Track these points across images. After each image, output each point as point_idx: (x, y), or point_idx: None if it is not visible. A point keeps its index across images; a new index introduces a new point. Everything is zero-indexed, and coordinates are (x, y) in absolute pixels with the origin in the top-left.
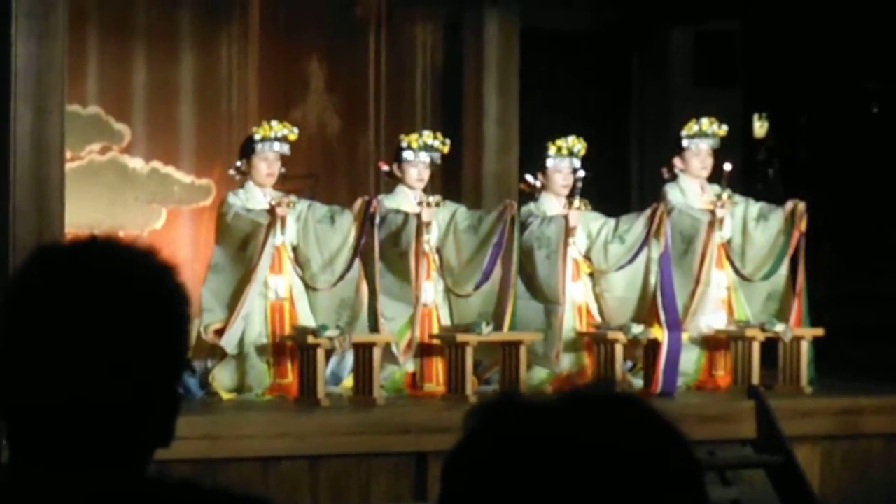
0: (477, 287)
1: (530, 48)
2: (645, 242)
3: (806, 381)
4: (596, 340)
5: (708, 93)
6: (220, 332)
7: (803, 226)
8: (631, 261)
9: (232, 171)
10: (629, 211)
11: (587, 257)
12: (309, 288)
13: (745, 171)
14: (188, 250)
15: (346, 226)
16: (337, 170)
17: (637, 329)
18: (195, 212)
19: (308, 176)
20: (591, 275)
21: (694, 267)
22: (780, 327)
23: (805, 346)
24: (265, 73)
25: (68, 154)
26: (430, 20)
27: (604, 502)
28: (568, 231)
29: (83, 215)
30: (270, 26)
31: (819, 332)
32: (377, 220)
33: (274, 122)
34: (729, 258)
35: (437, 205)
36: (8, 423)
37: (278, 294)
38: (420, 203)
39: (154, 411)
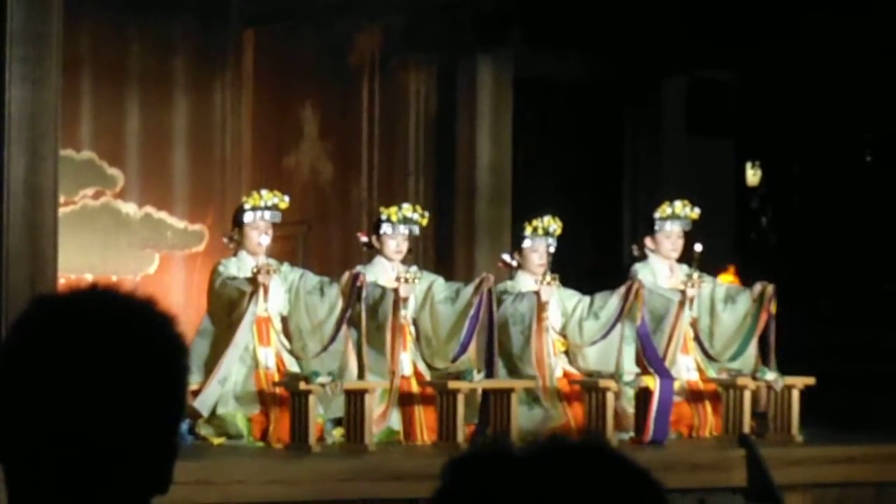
0: (454, 360)
1: (523, 97)
2: (618, 318)
3: (797, 429)
4: (587, 388)
5: (701, 141)
6: (195, 394)
7: (773, 308)
8: (604, 336)
9: (225, 240)
10: (621, 260)
11: (563, 334)
12: (297, 358)
13: (737, 220)
14: (181, 296)
15: (333, 298)
16: (330, 216)
17: (629, 377)
18: (188, 257)
19: (301, 222)
20: (566, 353)
21: (661, 346)
22: (770, 376)
23: (796, 395)
24: (259, 120)
25: (62, 199)
26: (423, 68)
27: None
28: (541, 306)
29: (76, 260)
30: (264, 73)
31: (810, 380)
32: (364, 293)
33: (264, 192)
34: (697, 338)
35: (415, 280)
36: (7, 469)
37: (268, 366)
38: (398, 278)
39: (152, 459)
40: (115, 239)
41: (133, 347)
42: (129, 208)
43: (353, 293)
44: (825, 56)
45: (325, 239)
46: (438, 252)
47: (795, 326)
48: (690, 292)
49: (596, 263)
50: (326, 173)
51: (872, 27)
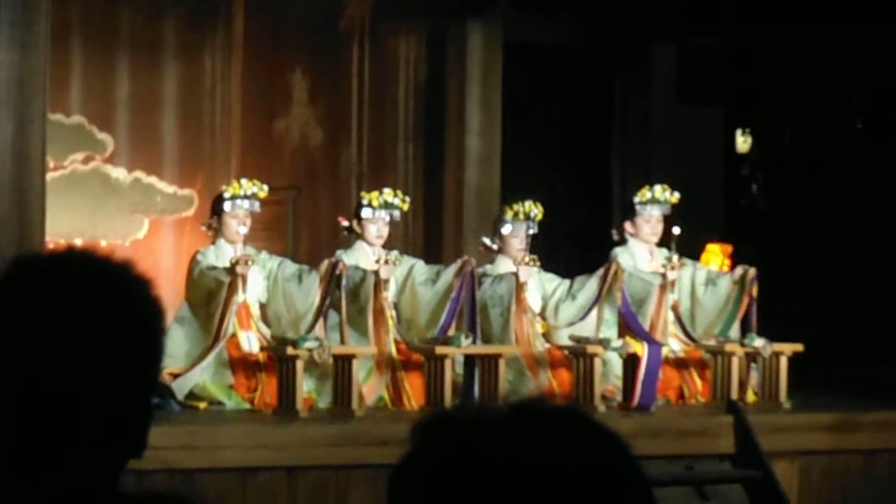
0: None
1: (513, 62)
2: (596, 300)
3: (784, 396)
4: (575, 354)
5: (691, 109)
6: (174, 375)
7: (754, 291)
8: (582, 318)
9: (203, 228)
10: (609, 225)
11: (542, 316)
12: None
13: (727, 187)
14: (170, 260)
15: (312, 287)
16: (319, 182)
17: (617, 343)
18: (177, 222)
19: (290, 188)
20: (545, 335)
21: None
22: (759, 342)
23: (784, 362)
24: (248, 85)
25: (51, 163)
26: (413, 33)
27: None
28: (519, 287)
29: (65, 225)
30: (254, 38)
31: (798, 347)
32: (343, 281)
33: (244, 181)
34: (679, 320)
35: (395, 262)
36: None
37: (252, 350)
38: (378, 260)
39: (126, 422)
40: (105, 204)
41: (109, 309)
42: (119, 173)
43: (331, 281)
44: (815, 22)
45: (314, 204)
46: (427, 217)
47: (785, 293)
48: (671, 275)
49: (585, 227)
50: (316, 138)
51: None
